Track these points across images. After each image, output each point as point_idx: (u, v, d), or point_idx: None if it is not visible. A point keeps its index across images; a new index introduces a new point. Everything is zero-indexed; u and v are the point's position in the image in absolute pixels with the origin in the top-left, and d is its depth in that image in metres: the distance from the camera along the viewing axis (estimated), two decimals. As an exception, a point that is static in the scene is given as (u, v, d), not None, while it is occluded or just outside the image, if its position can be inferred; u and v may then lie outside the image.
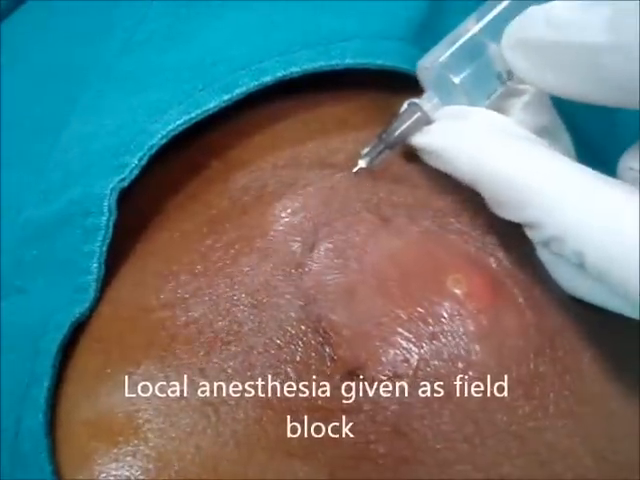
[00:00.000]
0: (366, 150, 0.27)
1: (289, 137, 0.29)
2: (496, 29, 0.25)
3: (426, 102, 0.27)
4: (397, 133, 0.26)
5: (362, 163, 0.27)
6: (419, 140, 0.26)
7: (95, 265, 0.25)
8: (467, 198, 0.27)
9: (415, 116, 0.27)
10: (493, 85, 0.26)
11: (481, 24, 0.26)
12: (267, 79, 0.27)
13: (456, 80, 0.26)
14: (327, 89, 0.29)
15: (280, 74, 0.27)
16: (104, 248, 0.26)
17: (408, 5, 0.31)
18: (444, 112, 0.27)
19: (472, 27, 0.26)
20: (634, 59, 0.20)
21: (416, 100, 0.27)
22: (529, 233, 0.24)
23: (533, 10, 0.24)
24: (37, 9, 0.36)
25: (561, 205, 0.22)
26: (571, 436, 0.24)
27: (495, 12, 0.26)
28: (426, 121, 0.27)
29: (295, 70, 0.27)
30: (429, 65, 0.27)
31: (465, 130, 0.25)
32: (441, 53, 0.26)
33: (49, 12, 0.35)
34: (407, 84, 0.29)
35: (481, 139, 0.24)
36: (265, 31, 0.30)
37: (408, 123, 0.27)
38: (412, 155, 0.28)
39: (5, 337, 0.26)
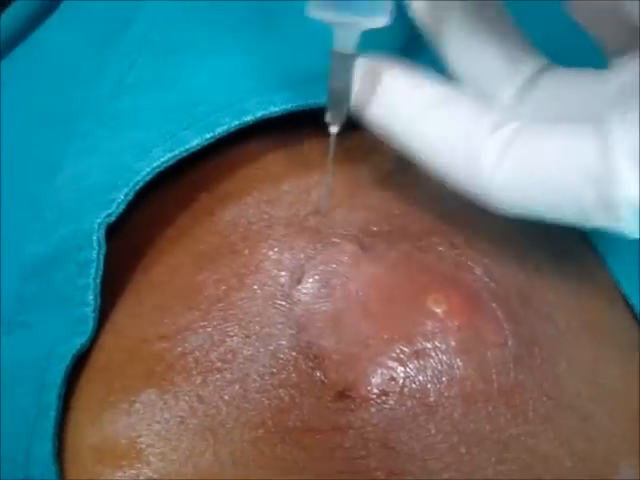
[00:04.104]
0: (327, 118, 0.27)
1: (272, 172, 0.30)
2: None
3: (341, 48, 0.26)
4: (334, 86, 0.27)
5: (334, 130, 0.27)
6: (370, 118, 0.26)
7: (91, 297, 0.27)
8: (441, 220, 0.28)
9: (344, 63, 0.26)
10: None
11: None
12: (248, 118, 0.29)
13: None
14: (310, 123, 0.30)
15: (260, 114, 0.29)
16: (98, 280, 0.27)
17: (381, 42, 0.32)
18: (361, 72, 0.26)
19: None
20: None
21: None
22: None
23: None
24: (30, 53, 0.37)
25: None
26: (550, 440, 0.26)
27: None
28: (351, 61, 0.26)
29: (274, 110, 0.29)
30: None
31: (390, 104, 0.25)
32: None
33: (42, 56, 0.37)
34: None
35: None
36: (247, 73, 0.31)
37: (337, 70, 0.26)
38: (381, 183, 0.29)
39: (12, 371, 0.27)
